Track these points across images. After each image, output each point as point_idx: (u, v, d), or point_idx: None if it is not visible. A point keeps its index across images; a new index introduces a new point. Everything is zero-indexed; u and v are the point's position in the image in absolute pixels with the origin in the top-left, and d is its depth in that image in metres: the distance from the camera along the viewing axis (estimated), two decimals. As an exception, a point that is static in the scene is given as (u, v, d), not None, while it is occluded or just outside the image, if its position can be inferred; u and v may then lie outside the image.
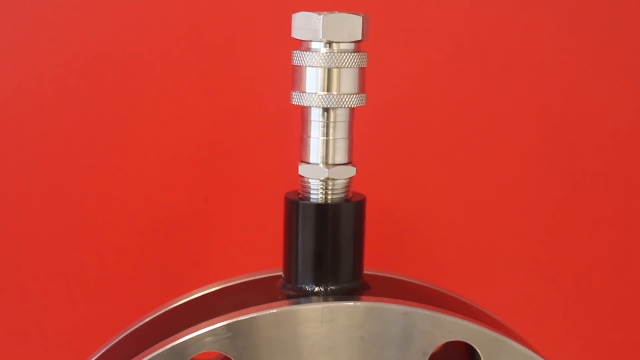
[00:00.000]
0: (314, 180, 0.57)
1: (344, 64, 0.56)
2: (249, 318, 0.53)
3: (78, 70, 0.89)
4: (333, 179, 0.57)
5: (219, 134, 0.91)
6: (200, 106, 0.91)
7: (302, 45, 0.57)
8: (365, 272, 0.60)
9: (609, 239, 0.98)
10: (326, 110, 0.56)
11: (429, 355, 0.55)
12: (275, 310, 0.53)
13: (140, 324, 0.61)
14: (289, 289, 0.57)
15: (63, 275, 0.92)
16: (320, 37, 0.55)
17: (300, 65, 0.57)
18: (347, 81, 0.56)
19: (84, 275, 0.92)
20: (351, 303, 0.54)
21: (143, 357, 0.52)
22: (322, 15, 0.55)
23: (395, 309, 0.54)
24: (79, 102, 0.90)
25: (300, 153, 0.58)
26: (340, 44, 0.56)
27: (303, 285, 0.57)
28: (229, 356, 0.53)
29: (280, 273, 0.60)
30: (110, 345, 0.61)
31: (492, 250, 0.98)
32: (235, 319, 0.53)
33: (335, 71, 0.56)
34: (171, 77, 0.90)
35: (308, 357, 0.54)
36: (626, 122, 0.95)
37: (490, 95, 0.94)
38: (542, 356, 0.56)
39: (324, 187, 0.57)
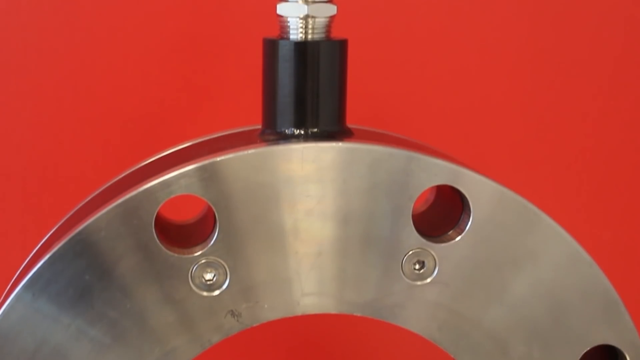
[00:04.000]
0: (293, 19, 0.53)
1: None
2: (225, 159, 0.50)
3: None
4: (313, 17, 0.53)
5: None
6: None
7: None
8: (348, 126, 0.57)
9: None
10: (305, -58, 0.53)
11: (414, 200, 0.52)
12: (252, 151, 0.50)
13: (121, 176, 0.59)
14: (268, 134, 0.55)
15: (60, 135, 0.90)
16: None
17: None
18: None
19: (79, 135, 0.90)
20: (333, 144, 0.51)
21: (116, 201, 0.50)
22: None
23: (380, 150, 0.51)
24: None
25: (279, -8, 0.54)
26: None
27: (283, 129, 0.54)
28: (205, 199, 0.50)
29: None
30: (92, 196, 0.58)
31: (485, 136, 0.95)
32: (210, 160, 0.50)
33: None
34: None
35: (288, 202, 0.51)
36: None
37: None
38: (526, 198, 0.54)
39: (303, 26, 0.53)
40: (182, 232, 0.55)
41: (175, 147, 0.58)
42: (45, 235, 0.57)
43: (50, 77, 0.89)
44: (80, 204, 0.57)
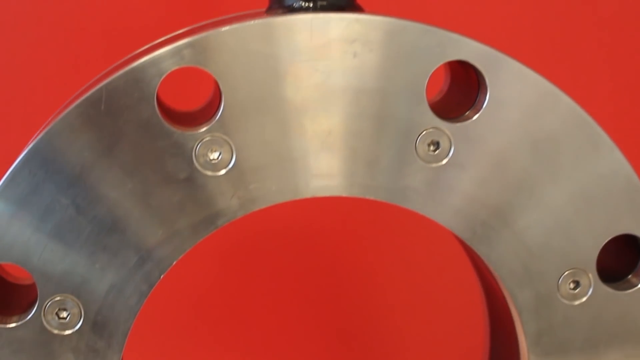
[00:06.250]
0: None
1: None
2: (230, 29, 0.48)
3: None
4: None
5: None
6: None
7: None
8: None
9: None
10: None
11: (429, 76, 0.50)
12: (258, 21, 0.48)
13: (126, 58, 0.56)
14: (276, 9, 0.52)
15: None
16: None
17: None
18: None
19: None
20: (344, 15, 0.48)
21: (116, 73, 0.47)
22: None
23: (393, 22, 0.49)
24: None
25: None
26: None
27: (290, 3, 0.51)
28: (208, 71, 0.48)
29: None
30: (99, 76, 0.56)
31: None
32: (214, 31, 0.48)
33: None
34: None
35: (296, 76, 0.49)
36: None
37: None
38: (543, 77, 0.51)
39: None
40: (187, 117, 0.53)
41: (179, 31, 0.56)
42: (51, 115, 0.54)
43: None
44: (88, 84, 0.54)
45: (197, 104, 0.55)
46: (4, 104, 0.91)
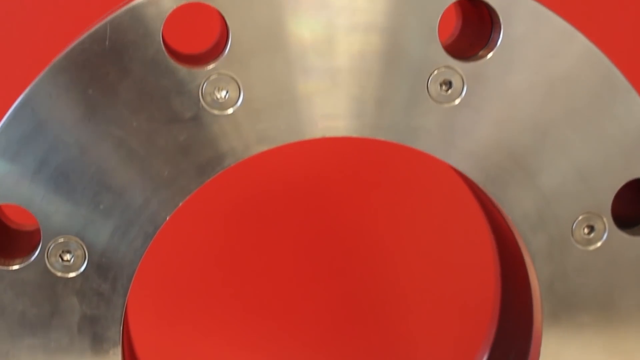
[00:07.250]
0: None
1: None
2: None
3: None
4: None
5: None
6: None
7: None
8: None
9: None
10: None
11: (441, 13, 0.48)
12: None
13: None
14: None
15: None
16: None
17: None
18: None
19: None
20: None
21: (122, 8, 0.46)
22: None
23: (403, -44, 0.48)
24: None
25: None
26: None
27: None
28: (214, 6, 0.47)
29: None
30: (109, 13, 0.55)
31: None
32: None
33: None
34: None
35: (306, 12, 0.47)
36: None
37: None
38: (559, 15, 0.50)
39: None
40: (193, 57, 0.51)
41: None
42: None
43: None
44: (92, 25, 0.53)
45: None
46: (7, 45, 0.89)
